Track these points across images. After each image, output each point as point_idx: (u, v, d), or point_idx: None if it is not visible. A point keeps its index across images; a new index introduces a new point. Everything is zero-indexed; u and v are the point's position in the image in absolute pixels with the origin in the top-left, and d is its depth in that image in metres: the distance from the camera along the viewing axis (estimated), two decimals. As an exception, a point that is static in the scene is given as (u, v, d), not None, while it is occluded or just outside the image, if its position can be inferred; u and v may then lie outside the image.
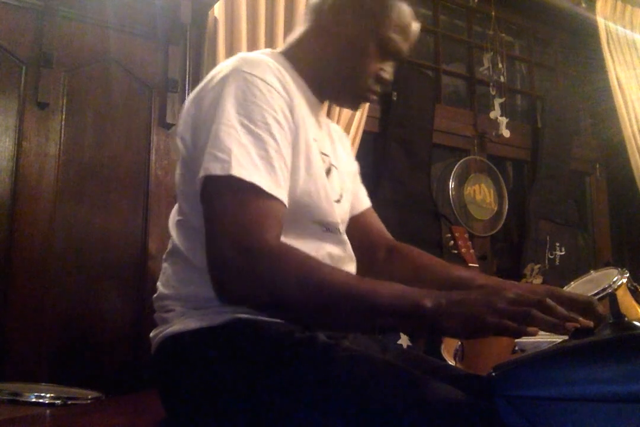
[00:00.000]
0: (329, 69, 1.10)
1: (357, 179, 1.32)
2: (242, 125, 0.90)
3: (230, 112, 0.91)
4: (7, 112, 2.05)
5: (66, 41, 2.16)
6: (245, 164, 0.87)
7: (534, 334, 0.77)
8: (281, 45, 1.16)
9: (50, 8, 2.10)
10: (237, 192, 0.87)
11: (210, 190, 0.89)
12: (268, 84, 0.95)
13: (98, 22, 2.20)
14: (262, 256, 0.83)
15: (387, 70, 1.12)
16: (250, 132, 0.90)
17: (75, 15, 2.17)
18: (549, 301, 0.79)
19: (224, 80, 0.95)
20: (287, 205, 0.92)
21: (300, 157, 1.00)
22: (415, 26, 1.12)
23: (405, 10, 1.09)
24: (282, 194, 0.91)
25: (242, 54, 1.02)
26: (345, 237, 1.13)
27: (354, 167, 1.31)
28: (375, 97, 1.14)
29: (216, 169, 0.87)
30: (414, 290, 0.83)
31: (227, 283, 0.84)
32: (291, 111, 0.98)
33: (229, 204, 0.87)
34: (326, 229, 1.07)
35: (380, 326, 0.85)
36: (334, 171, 1.12)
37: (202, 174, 0.89)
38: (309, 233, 1.03)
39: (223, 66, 1.00)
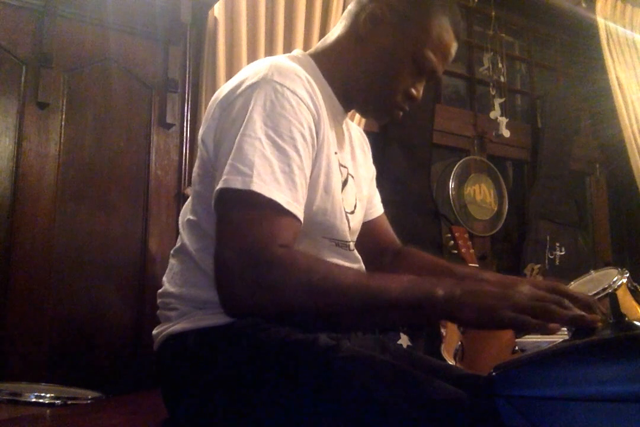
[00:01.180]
0: (359, 80, 1.07)
1: (373, 185, 1.30)
2: (268, 137, 0.89)
3: (257, 123, 0.89)
4: (7, 112, 2.05)
5: (66, 41, 2.16)
6: (266, 178, 0.86)
7: (553, 332, 0.78)
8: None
9: (50, 8, 2.10)
10: (255, 208, 0.85)
11: (228, 203, 0.87)
12: (298, 96, 0.93)
13: (98, 22, 2.20)
14: (270, 266, 0.82)
15: (418, 88, 1.09)
16: (276, 145, 0.89)
17: (75, 15, 2.17)
18: (566, 301, 0.80)
19: (253, 88, 0.93)
20: (302, 221, 0.90)
21: (321, 173, 0.99)
22: (455, 46, 1.08)
23: (447, 28, 1.05)
24: (299, 210, 0.89)
25: (273, 60, 0.99)
26: (356, 252, 1.13)
27: (371, 172, 1.29)
28: (401, 113, 1.11)
29: (237, 183, 0.85)
30: (425, 280, 0.84)
31: (235, 296, 0.83)
32: (317, 127, 0.96)
33: (245, 218, 0.85)
34: (336, 245, 1.07)
35: (395, 320, 0.86)
36: (350, 182, 1.11)
37: (221, 185, 0.87)
38: (319, 246, 1.03)
39: (252, 70, 0.97)
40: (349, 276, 0.85)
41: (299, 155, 0.90)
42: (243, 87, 0.94)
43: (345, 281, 0.84)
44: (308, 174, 0.94)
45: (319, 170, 0.98)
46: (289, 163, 0.89)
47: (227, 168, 0.87)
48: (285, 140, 0.89)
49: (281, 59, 1.02)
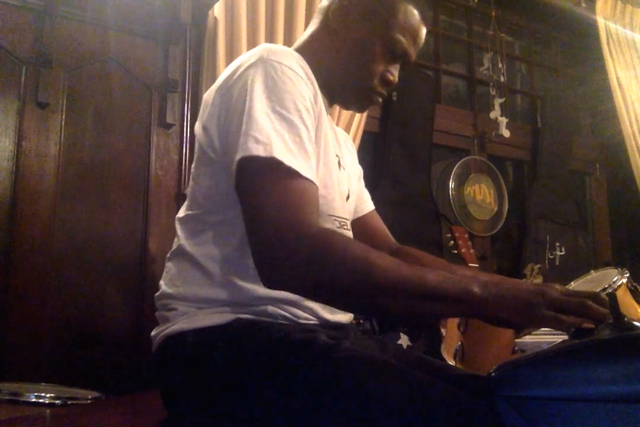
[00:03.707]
0: (336, 71, 1.11)
1: (361, 183, 1.34)
2: (275, 112, 0.91)
3: (262, 99, 0.91)
4: (7, 112, 2.05)
5: (66, 41, 2.16)
6: (282, 149, 0.88)
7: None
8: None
9: (50, 8, 2.10)
10: (279, 174, 0.87)
11: (252, 171, 0.88)
12: (295, 72, 0.95)
13: (98, 22, 2.20)
14: (310, 240, 0.83)
15: (393, 72, 1.12)
16: (284, 118, 0.91)
17: (75, 15, 2.17)
18: (601, 294, 0.82)
19: (252, 68, 0.95)
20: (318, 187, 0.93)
21: (320, 147, 1.01)
22: (423, 29, 1.12)
23: (413, 12, 1.09)
24: (315, 178, 0.92)
25: (266, 45, 1.02)
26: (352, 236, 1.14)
27: (358, 171, 1.33)
28: (380, 99, 1.15)
29: (259, 150, 0.87)
30: (461, 277, 0.86)
31: (275, 266, 0.84)
32: (315, 101, 0.99)
33: (273, 185, 0.86)
34: (339, 226, 1.08)
35: (429, 312, 0.86)
36: (342, 171, 1.14)
37: (242, 154, 0.88)
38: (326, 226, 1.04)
39: (247, 57, 0.99)
40: (387, 260, 0.85)
41: (306, 126, 0.93)
42: (241, 69, 0.96)
43: (384, 263, 0.84)
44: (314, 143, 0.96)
45: (318, 143, 1.00)
46: (299, 134, 0.91)
47: (244, 138, 0.88)
48: (292, 113, 0.91)
49: (271, 44, 1.05)
